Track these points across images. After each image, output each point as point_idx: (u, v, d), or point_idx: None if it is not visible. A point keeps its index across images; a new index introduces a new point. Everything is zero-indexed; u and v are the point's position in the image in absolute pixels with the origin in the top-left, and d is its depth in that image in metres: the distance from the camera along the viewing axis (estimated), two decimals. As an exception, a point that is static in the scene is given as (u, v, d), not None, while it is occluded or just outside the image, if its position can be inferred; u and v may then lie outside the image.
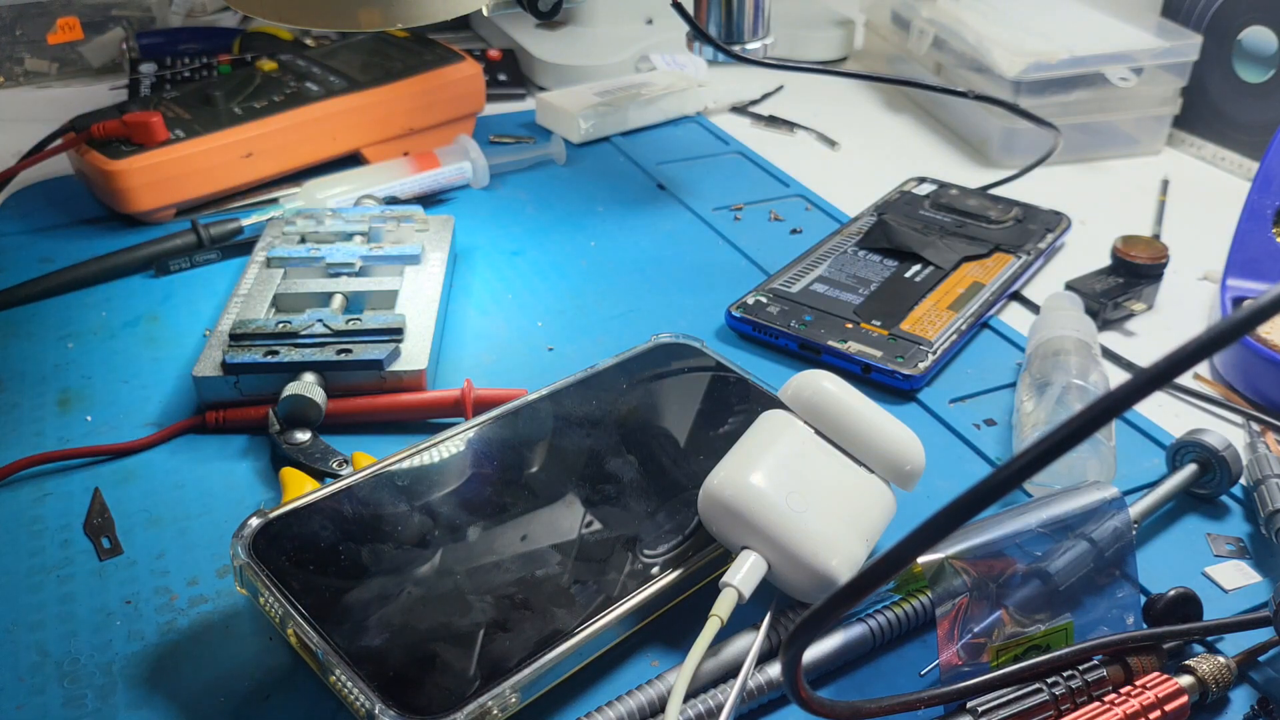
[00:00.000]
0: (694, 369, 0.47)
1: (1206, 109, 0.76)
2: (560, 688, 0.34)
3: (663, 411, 0.44)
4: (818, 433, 0.39)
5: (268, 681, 0.34)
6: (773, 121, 0.81)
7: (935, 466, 0.45)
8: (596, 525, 0.37)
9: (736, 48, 0.63)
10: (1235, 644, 0.36)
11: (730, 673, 0.34)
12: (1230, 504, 0.43)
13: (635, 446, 0.41)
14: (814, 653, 0.35)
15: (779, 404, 0.39)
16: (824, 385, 0.39)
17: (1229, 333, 0.20)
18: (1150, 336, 0.56)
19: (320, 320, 0.48)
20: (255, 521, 0.36)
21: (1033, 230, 0.62)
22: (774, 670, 0.34)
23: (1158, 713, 0.32)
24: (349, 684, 0.31)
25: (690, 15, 0.63)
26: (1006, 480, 0.21)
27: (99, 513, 0.41)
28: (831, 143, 0.78)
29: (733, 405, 0.45)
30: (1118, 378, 0.52)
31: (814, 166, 0.73)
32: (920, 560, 0.35)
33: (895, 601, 0.37)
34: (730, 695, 0.32)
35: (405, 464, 0.39)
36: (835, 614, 0.24)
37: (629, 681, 0.34)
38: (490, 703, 0.31)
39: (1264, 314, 0.19)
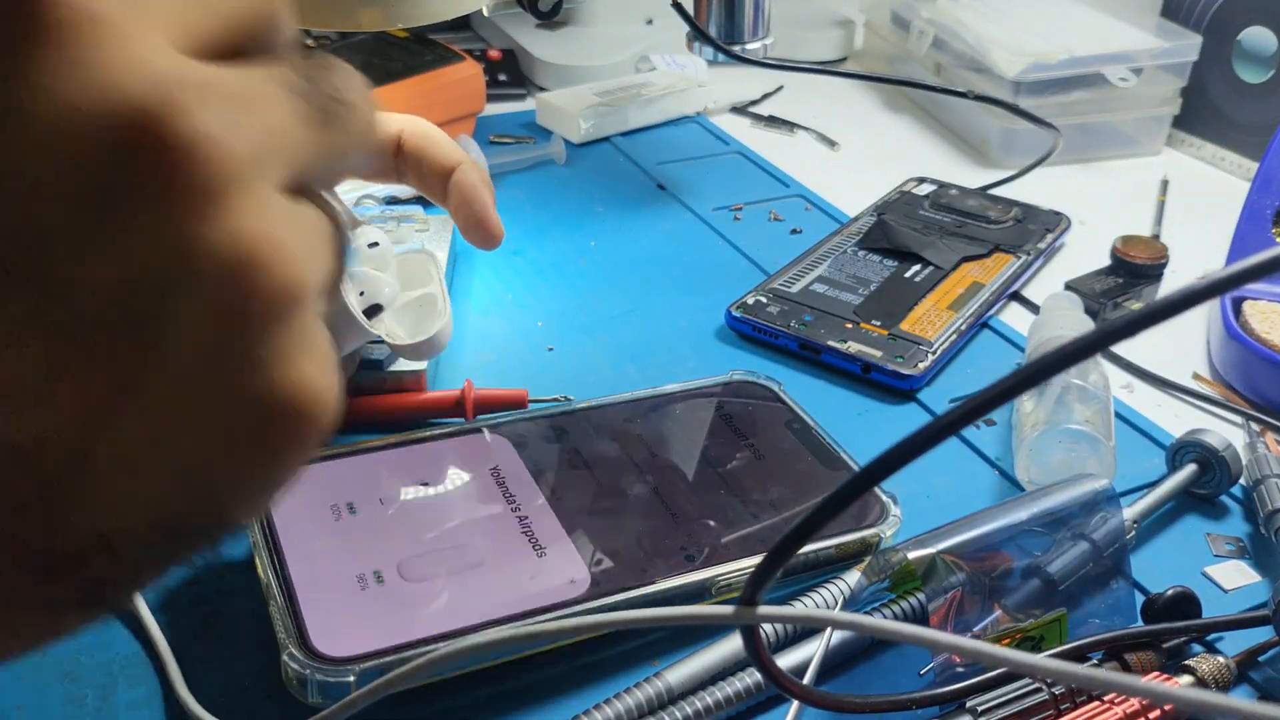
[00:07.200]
0: (767, 415, 0.45)
1: (1206, 109, 0.76)
2: (560, 686, 0.34)
3: (727, 448, 0.43)
4: None
5: (271, 679, 0.34)
6: (772, 121, 0.81)
7: (934, 466, 0.45)
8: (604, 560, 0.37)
9: (736, 48, 0.64)
10: (1235, 644, 0.36)
11: (741, 665, 0.34)
12: (1230, 504, 0.43)
13: (680, 471, 0.41)
14: (811, 651, 0.35)
15: (839, 462, 0.39)
16: None
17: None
18: (1149, 336, 0.55)
19: (321, 320, 0.47)
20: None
21: (1032, 230, 0.62)
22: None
23: (1157, 711, 0.32)
24: (279, 618, 0.33)
25: (690, 15, 0.63)
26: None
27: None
28: (831, 143, 0.78)
29: (797, 457, 0.43)
30: (1117, 378, 0.52)
31: (814, 166, 0.73)
32: (911, 556, 0.35)
33: (890, 599, 0.37)
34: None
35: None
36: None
37: (630, 684, 0.34)
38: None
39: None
